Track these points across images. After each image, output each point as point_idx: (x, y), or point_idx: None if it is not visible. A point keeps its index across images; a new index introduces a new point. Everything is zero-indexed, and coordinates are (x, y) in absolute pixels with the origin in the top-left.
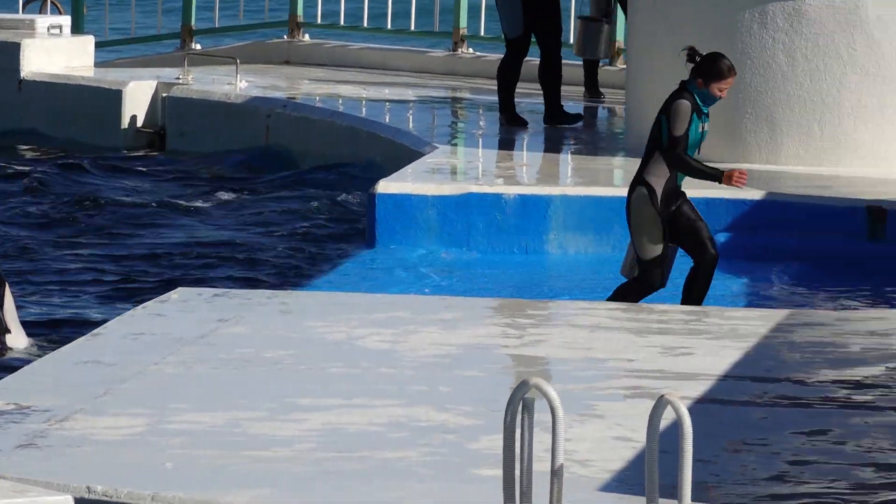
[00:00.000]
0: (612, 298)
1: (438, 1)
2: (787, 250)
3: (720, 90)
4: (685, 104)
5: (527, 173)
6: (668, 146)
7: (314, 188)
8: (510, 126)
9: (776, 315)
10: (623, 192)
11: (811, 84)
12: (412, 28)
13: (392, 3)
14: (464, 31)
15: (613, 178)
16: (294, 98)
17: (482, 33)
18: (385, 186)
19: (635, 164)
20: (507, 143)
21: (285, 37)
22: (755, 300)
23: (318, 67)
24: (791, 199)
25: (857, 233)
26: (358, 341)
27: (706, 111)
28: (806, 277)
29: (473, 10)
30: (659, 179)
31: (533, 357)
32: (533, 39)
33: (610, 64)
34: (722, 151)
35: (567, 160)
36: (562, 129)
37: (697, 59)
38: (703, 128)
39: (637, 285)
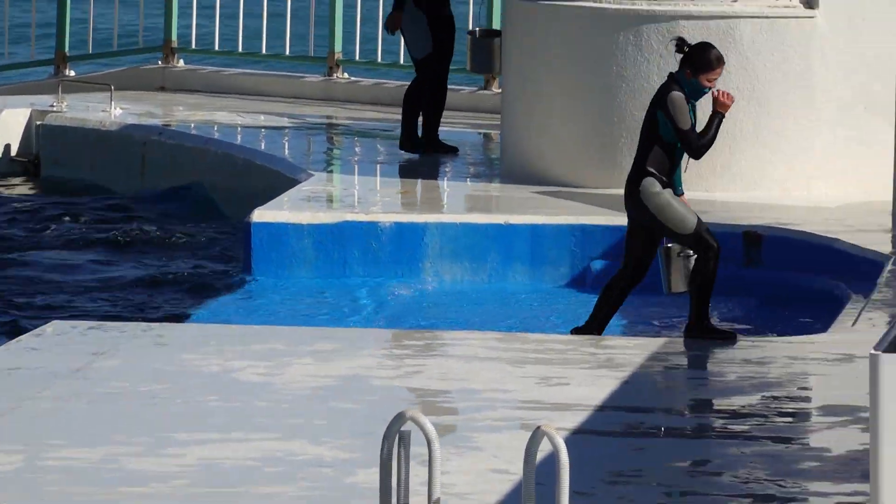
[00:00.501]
0: (700, 288)
1: (313, 25)
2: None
3: (709, 81)
4: (679, 95)
5: (403, 201)
6: (684, 142)
7: (190, 217)
8: (407, 151)
9: (652, 344)
10: (498, 218)
11: None
12: (287, 53)
13: (267, 27)
14: (339, 55)
15: (490, 205)
16: (169, 125)
17: (357, 58)
18: (260, 215)
19: (512, 189)
20: (383, 171)
21: (160, 62)
22: (631, 329)
23: (194, 93)
24: None
25: (733, 258)
26: (234, 374)
27: (694, 103)
28: (681, 305)
29: (349, 35)
30: (661, 173)
31: (409, 388)
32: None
33: (485, 88)
34: (598, 176)
35: (443, 187)
36: (438, 156)
37: (686, 49)
38: (693, 115)
39: (702, 260)
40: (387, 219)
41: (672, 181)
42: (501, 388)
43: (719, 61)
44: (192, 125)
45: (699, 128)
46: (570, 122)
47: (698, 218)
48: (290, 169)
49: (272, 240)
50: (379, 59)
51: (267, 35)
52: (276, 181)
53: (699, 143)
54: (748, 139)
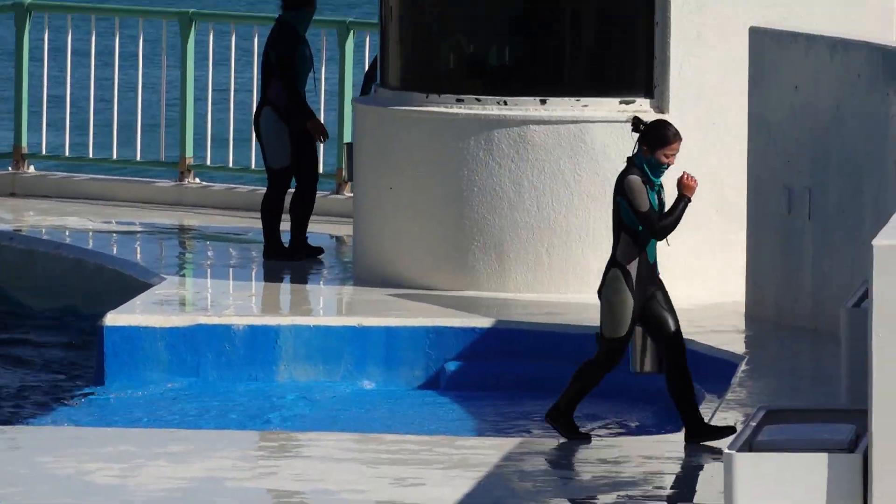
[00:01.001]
0: (575, 379)
1: (164, 130)
2: (517, 378)
3: (666, 157)
4: (635, 178)
5: (256, 303)
6: (645, 224)
7: (42, 321)
8: (271, 259)
9: (507, 444)
10: (352, 320)
11: (538, 211)
12: (138, 158)
13: (117, 132)
14: (190, 160)
15: (342, 307)
16: (20, 230)
17: (209, 163)
18: (113, 319)
19: (364, 292)
20: (236, 274)
21: (10, 168)
22: (486, 429)
23: (44, 199)
24: (520, 326)
25: (587, 359)
26: (87, 476)
27: (658, 181)
28: (537, 405)
29: (199, 140)
30: (631, 261)
31: (265, 490)
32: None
33: (337, 192)
34: (450, 279)
35: (297, 289)
36: (289, 260)
37: (642, 127)
38: (658, 198)
39: (598, 365)
40: (240, 321)
41: (645, 268)
42: (356, 489)
43: (676, 136)
44: (43, 230)
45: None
46: (422, 226)
47: (627, 336)
48: (142, 273)
49: (125, 343)
50: (230, 164)
51: (117, 140)
52: (129, 285)
53: (661, 225)
54: (600, 241)
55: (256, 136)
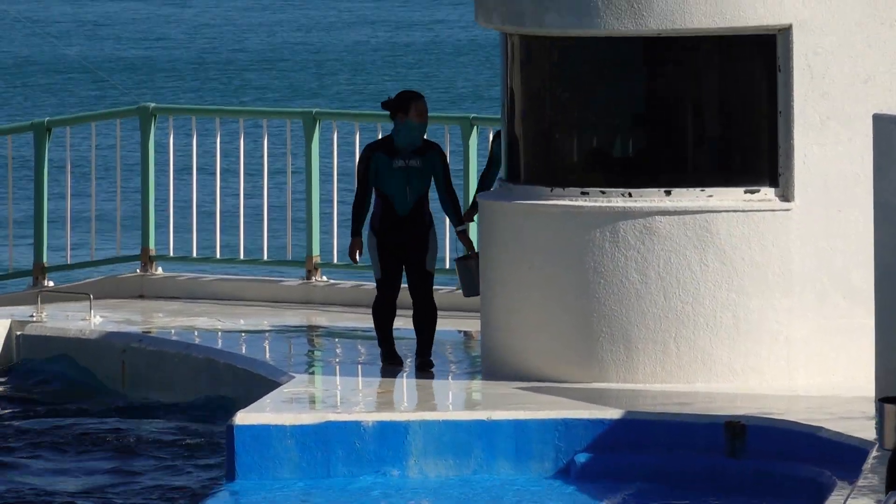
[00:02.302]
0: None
1: (290, 229)
2: (647, 469)
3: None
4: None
5: (385, 399)
6: None
7: (173, 421)
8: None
9: None
10: (481, 414)
11: (665, 301)
12: (265, 257)
13: (244, 233)
14: (317, 258)
15: (471, 401)
16: (149, 332)
17: (335, 261)
18: (243, 418)
19: (492, 386)
20: (364, 371)
21: (138, 270)
22: None
23: (173, 300)
24: (649, 417)
25: (716, 449)
26: None
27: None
28: (667, 496)
29: (326, 238)
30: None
31: None
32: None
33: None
34: (578, 372)
35: (426, 385)
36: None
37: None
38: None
39: None
40: (370, 418)
41: None
42: None
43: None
44: (172, 331)
45: None
46: (550, 319)
47: None
48: (271, 372)
49: (255, 442)
50: (357, 262)
51: (244, 240)
52: (258, 384)
53: None
54: (728, 330)
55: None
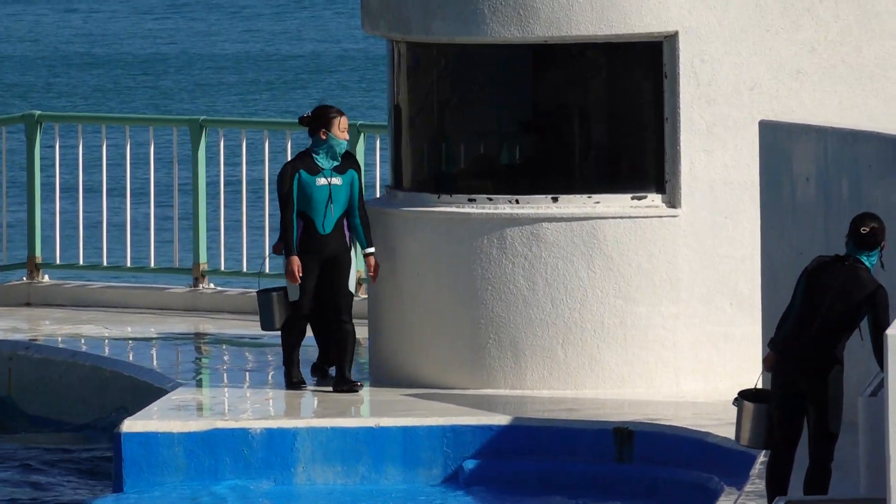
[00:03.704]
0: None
1: (177, 236)
2: (536, 475)
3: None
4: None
5: (273, 406)
6: (876, 345)
7: (60, 430)
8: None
9: None
10: (369, 421)
11: (553, 307)
12: (152, 265)
13: (131, 240)
14: (204, 266)
15: (359, 408)
16: (36, 339)
17: (223, 268)
18: (130, 425)
19: (381, 393)
20: (252, 378)
21: (24, 278)
22: None
23: (59, 308)
24: (538, 423)
25: (605, 455)
26: None
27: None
28: (557, 502)
29: (213, 245)
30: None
31: None
32: None
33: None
34: (466, 378)
35: (314, 392)
36: (307, 364)
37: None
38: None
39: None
40: (258, 425)
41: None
42: None
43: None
44: (59, 339)
45: None
46: (437, 325)
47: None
48: (158, 379)
49: (142, 449)
50: (244, 269)
51: (131, 248)
52: (146, 392)
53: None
54: (616, 336)
55: None
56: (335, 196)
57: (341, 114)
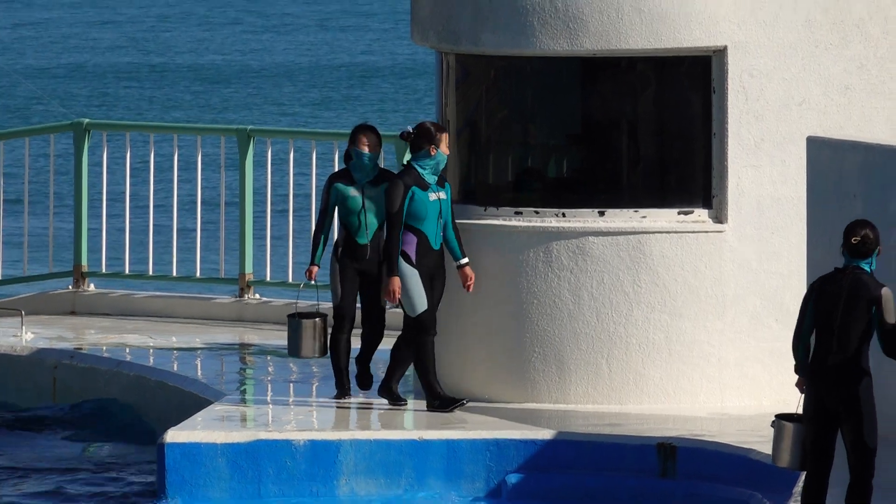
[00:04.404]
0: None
1: (223, 246)
2: (579, 490)
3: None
4: (888, 293)
5: (316, 418)
6: (888, 342)
7: (103, 440)
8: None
9: None
10: (413, 434)
11: (598, 321)
12: (198, 274)
13: (177, 249)
14: (250, 276)
15: (403, 421)
16: (80, 348)
17: (268, 278)
18: (174, 436)
19: (424, 406)
20: (296, 389)
21: (70, 287)
22: None
23: (105, 317)
24: (581, 437)
25: (648, 470)
26: None
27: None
28: None
29: (259, 255)
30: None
31: None
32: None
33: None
34: (510, 392)
35: (357, 404)
36: (351, 375)
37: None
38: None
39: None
40: (301, 436)
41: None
42: None
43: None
44: (104, 348)
45: None
46: (482, 338)
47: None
48: (202, 389)
49: (185, 460)
50: (290, 280)
51: (177, 257)
52: (190, 402)
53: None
54: (660, 351)
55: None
56: (444, 210)
57: (444, 130)
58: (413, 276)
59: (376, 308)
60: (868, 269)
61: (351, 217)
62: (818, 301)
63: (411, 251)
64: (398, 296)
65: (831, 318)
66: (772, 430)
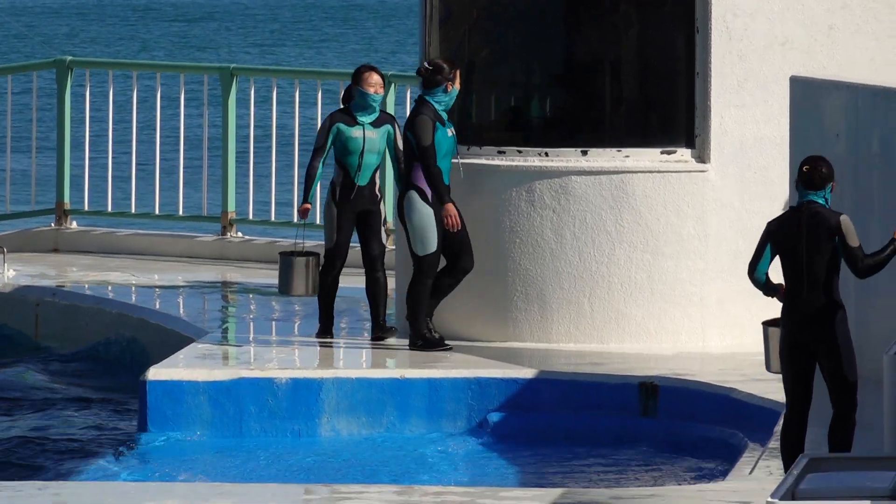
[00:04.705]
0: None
1: (206, 185)
2: (561, 428)
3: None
4: (847, 219)
5: (299, 357)
6: (851, 263)
7: (84, 376)
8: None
9: (550, 494)
10: (395, 373)
11: (580, 261)
12: (180, 213)
13: (160, 188)
14: (232, 214)
15: (385, 360)
16: (63, 286)
17: (251, 217)
18: (156, 373)
19: (405, 344)
20: (279, 328)
21: (52, 224)
22: (529, 480)
23: (87, 255)
24: (563, 376)
25: (629, 409)
26: None
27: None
28: (579, 455)
29: (242, 194)
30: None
31: None
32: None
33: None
34: (492, 331)
35: (340, 343)
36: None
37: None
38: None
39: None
40: (283, 375)
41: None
42: None
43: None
44: (86, 286)
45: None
46: (466, 279)
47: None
48: (185, 327)
49: (167, 397)
50: (272, 218)
51: (160, 196)
52: (172, 339)
53: (865, 264)
54: (642, 290)
55: (401, 222)
56: (456, 147)
57: (458, 66)
58: (430, 215)
59: (378, 245)
60: (823, 203)
61: (350, 157)
62: (779, 242)
63: (427, 188)
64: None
65: (796, 257)
66: (753, 368)
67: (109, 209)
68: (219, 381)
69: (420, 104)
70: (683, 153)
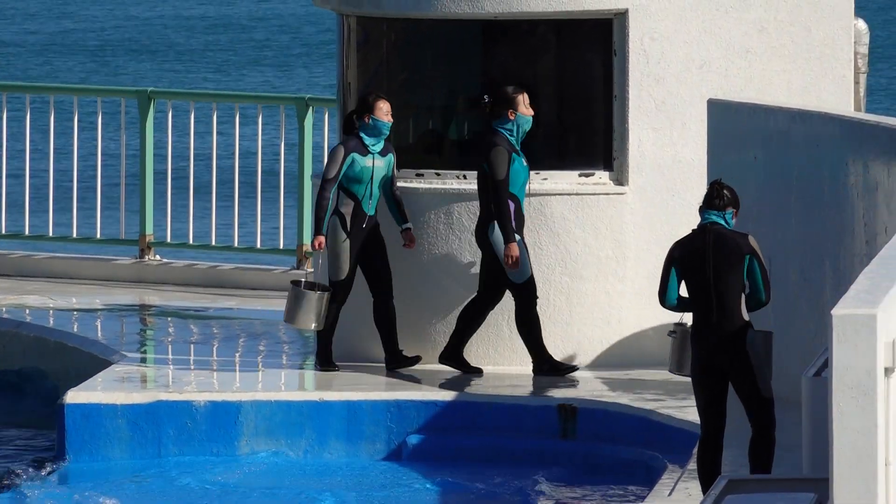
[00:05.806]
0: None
1: (124, 207)
2: (480, 451)
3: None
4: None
5: (217, 379)
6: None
7: (2, 400)
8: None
9: None
10: (313, 395)
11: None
12: (98, 236)
13: (77, 211)
14: (150, 237)
15: (304, 382)
16: None
17: (169, 240)
18: (74, 396)
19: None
20: (197, 350)
21: None
22: (449, 502)
23: (4, 278)
24: (482, 399)
25: (549, 431)
26: None
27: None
28: (499, 478)
29: (160, 217)
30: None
31: None
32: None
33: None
34: (412, 353)
35: (259, 366)
36: (252, 337)
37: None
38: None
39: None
40: (201, 397)
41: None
42: None
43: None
44: (3, 309)
45: None
46: None
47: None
48: (103, 350)
49: (86, 421)
50: (190, 241)
51: (77, 219)
52: (90, 363)
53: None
54: (561, 312)
55: (485, 252)
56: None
57: (522, 91)
58: (520, 243)
59: (386, 274)
60: (727, 224)
61: (359, 186)
62: (684, 264)
63: (511, 218)
64: (518, 261)
65: (703, 278)
66: (671, 390)
67: (27, 232)
68: (137, 404)
69: (493, 135)
70: (601, 175)
